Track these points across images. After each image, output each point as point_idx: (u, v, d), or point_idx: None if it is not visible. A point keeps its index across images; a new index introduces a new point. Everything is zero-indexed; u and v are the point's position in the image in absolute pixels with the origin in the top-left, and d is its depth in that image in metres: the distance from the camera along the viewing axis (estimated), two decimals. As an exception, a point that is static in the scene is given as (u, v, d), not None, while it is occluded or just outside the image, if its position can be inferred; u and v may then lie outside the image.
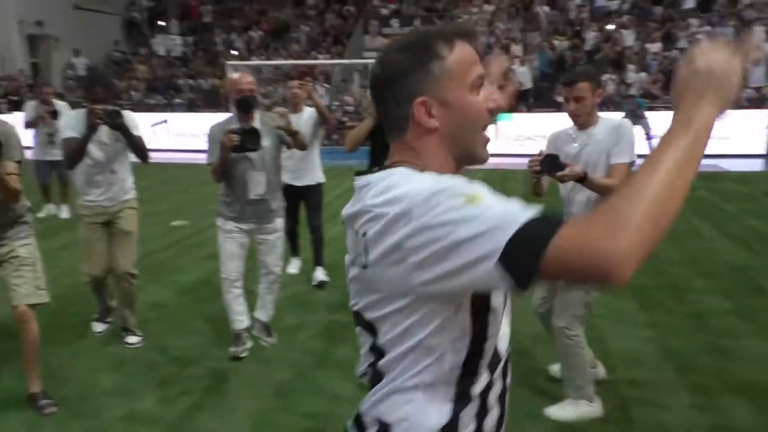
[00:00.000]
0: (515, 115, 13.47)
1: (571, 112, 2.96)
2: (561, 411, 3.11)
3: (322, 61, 18.16)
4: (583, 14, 17.66)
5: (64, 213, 7.79)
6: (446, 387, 1.07)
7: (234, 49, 20.44)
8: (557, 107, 13.71)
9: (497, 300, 1.08)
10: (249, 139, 3.48)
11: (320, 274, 5.30)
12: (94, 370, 3.66)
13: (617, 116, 12.03)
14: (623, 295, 4.81)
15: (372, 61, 18.17)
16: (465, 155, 1.12)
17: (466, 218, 0.90)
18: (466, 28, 1.12)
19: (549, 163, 2.77)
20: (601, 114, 3.01)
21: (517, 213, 0.89)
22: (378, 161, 4.28)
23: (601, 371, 3.46)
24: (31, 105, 7.69)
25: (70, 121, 3.80)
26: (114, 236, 3.93)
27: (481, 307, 1.05)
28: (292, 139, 3.87)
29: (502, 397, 1.16)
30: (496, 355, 1.12)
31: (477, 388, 1.10)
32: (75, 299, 4.82)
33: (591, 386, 3.10)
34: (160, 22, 23.27)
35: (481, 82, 1.09)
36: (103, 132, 3.74)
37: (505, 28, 18.04)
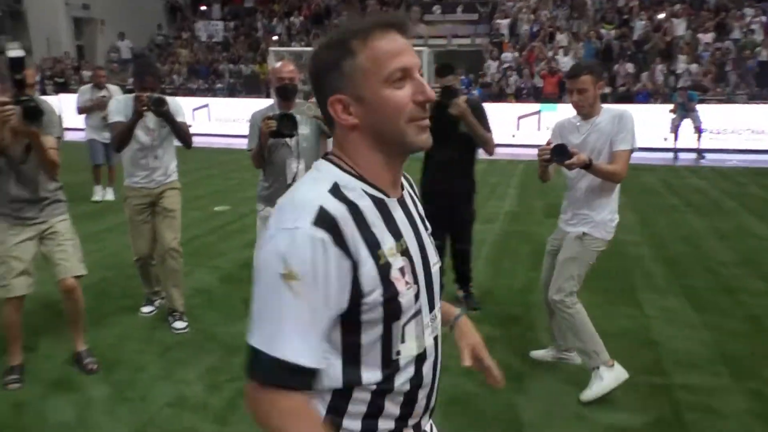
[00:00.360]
0: (559, 105, 13.17)
1: (574, 103, 3.14)
2: (590, 391, 3.20)
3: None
4: (633, 2, 17.14)
5: (109, 195, 7.93)
6: (323, 397, 1.10)
7: (275, 35, 20.51)
8: (603, 98, 13.37)
9: (371, 333, 1.08)
10: (285, 124, 3.51)
11: None
12: (142, 353, 3.70)
13: (666, 108, 11.79)
14: (676, 296, 4.66)
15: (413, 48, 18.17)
16: (396, 147, 1.11)
17: (270, 288, 1.01)
18: (389, 19, 1.09)
19: (558, 152, 2.98)
20: (603, 105, 3.18)
21: (284, 338, 1.00)
22: (434, 150, 4.19)
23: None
24: (84, 89, 7.76)
25: (118, 105, 3.91)
26: (158, 215, 4.04)
27: (353, 326, 1.07)
28: (329, 129, 3.84)
29: (404, 410, 1.16)
30: (390, 368, 1.11)
31: (359, 407, 1.11)
32: (122, 281, 4.89)
33: (604, 350, 3.21)
34: (202, 7, 23.49)
35: (402, 75, 1.06)
36: (150, 118, 3.85)
37: (551, 16, 17.66)
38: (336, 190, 1.06)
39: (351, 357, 1.08)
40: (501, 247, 6.04)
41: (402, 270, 1.08)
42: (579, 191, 3.22)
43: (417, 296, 1.11)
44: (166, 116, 3.80)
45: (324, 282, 1.00)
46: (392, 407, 1.13)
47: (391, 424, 1.15)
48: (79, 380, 3.36)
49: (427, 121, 1.11)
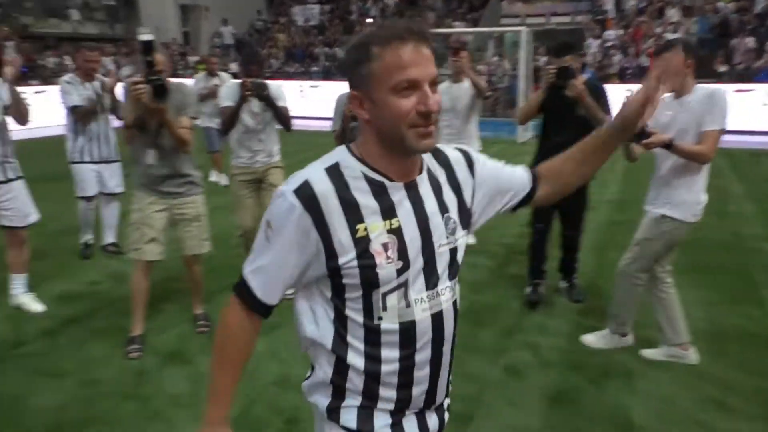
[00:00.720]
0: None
1: None
2: (594, 339, 3.60)
3: (456, 29, 17.76)
4: (754, -28, 15.75)
5: (214, 177, 8.25)
6: (326, 349, 1.31)
7: (369, 17, 20.57)
8: (718, 77, 12.44)
9: (353, 295, 1.25)
10: None
11: (469, 238, 5.48)
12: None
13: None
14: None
15: (509, 28, 17.25)
16: (397, 145, 1.21)
17: (261, 230, 1.27)
18: (410, 30, 1.17)
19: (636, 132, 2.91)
20: (699, 84, 3.11)
21: (255, 269, 1.29)
22: (549, 133, 4.06)
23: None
24: (198, 77, 7.98)
25: (228, 91, 4.16)
26: (264, 191, 4.28)
27: (338, 287, 1.26)
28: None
29: (403, 374, 1.29)
30: (372, 332, 1.26)
31: (353, 359, 1.28)
32: (229, 259, 5.07)
33: (632, 323, 3.52)
34: (299, -9, 23.93)
35: (408, 86, 1.16)
36: (255, 103, 4.09)
37: (663, -11, 16.57)
38: (334, 169, 1.25)
39: (339, 314, 1.28)
40: (604, 237, 5.78)
41: (385, 245, 1.22)
42: (663, 169, 3.20)
43: (401, 271, 1.23)
44: (267, 101, 4.04)
45: (290, 237, 1.22)
46: (388, 377, 1.28)
47: (391, 405, 1.31)
48: (193, 353, 3.54)
49: (429, 129, 1.19)
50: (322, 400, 1.35)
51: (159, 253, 3.59)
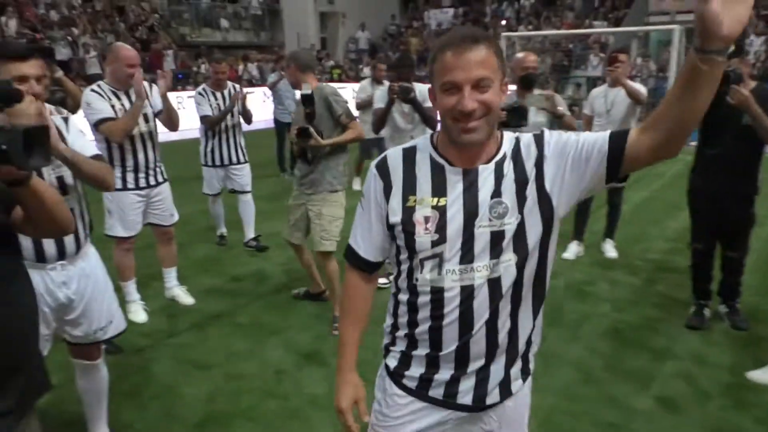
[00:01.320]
0: None
1: None
2: (761, 374, 3.25)
3: (597, 30, 16.91)
4: None
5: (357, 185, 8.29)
6: (391, 301, 1.59)
7: (503, 19, 20.19)
8: None
9: (403, 255, 1.49)
10: (513, 117, 3.55)
11: (609, 248, 5.39)
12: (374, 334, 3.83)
13: None
14: None
15: (659, 27, 16.09)
16: (449, 135, 1.40)
17: (358, 207, 1.56)
18: (460, 37, 1.32)
19: None
20: None
21: (355, 234, 1.58)
22: (709, 145, 3.70)
23: None
24: (364, 85, 7.59)
25: (380, 94, 4.46)
26: None
27: (397, 248, 1.51)
28: (558, 121, 4.13)
29: (433, 333, 1.48)
30: (413, 291, 1.48)
31: (401, 312, 1.53)
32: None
33: None
34: (434, -4, 24.04)
35: (450, 86, 1.33)
36: (406, 104, 4.30)
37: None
38: (410, 149, 1.49)
39: (398, 271, 1.53)
40: (770, 257, 5.19)
41: (426, 218, 1.41)
42: None
43: (435, 243, 1.40)
44: (412, 103, 4.22)
45: (373, 201, 1.49)
46: (421, 333, 1.49)
47: (424, 359, 1.50)
48: (327, 355, 3.59)
49: (469, 125, 1.34)
50: (384, 341, 1.64)
51: (295, 237, 4.00)
